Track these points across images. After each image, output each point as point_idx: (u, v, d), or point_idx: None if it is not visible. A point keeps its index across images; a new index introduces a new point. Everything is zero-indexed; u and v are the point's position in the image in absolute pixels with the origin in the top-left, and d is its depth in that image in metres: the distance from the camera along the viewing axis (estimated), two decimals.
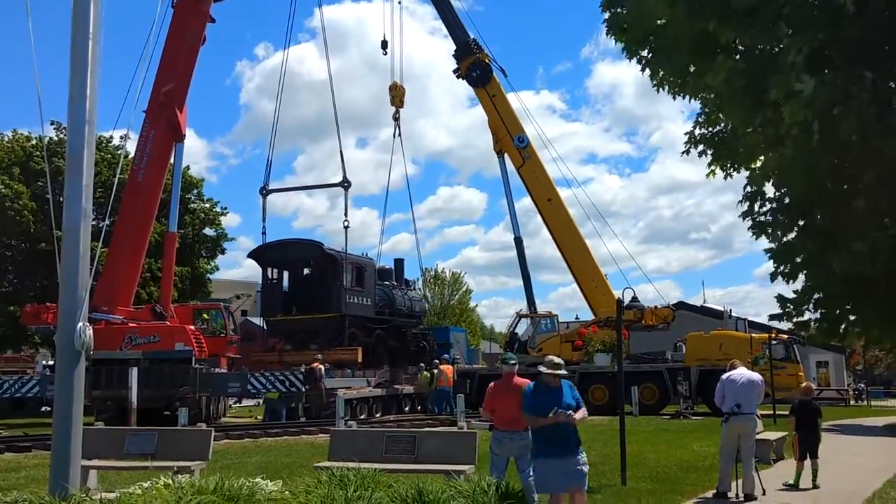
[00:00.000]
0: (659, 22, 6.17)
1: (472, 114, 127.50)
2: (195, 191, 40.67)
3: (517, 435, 8.58)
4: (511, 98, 35.54)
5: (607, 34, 6.84)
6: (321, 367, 25.93)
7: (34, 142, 36.86)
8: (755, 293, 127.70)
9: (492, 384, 9.13)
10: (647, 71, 6.59)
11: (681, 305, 41.41)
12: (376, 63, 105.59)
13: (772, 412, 21.39)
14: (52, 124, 35.45)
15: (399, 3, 37.10)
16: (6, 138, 37.12)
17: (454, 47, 35.34)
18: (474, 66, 34.74)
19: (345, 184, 32.09)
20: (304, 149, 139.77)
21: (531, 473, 8.28)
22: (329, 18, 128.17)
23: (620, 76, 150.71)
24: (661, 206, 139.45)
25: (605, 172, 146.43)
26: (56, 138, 35.01)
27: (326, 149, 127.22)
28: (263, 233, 32.96)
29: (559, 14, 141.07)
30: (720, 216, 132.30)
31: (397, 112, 36.35)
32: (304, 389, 25.25)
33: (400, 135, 36.49)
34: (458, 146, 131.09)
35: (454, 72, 35.66)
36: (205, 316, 30.13)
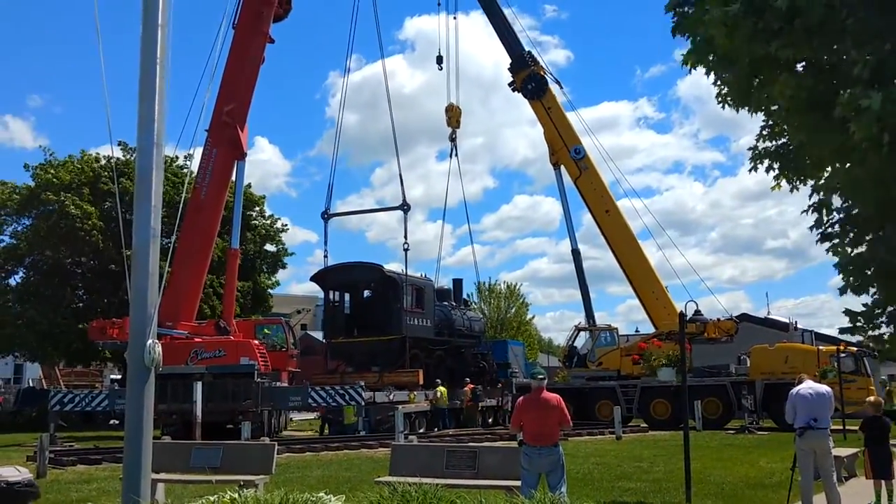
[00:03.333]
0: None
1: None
2: (256, 208, 41.44)
3: (546, 450, 8.49)
4: (569, 113, 35.44)
5: (674, 34, 6.73)
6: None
7: (102, 163, 38.04)
8: (830, 304, 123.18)
9: (520, 399, 9.08)
10: (713, 77, 6.51)
11: (744, 318, 40.51)
12: (464, 74, 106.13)
13: (841, 427, 20.74)
14: (118, 144, 36.58)
15: (454, 17, 37.39)
16: (75, 160, 38.39)
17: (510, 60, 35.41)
18: (529, 79, 34.72)
19: (404, 207, 32.37)
20: (384, 161, 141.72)
21: (563, 490, 8.18)
22: (422, 29, 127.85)
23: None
24: (742, 215, 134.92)
25: (690, 180, 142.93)
26: (123, 158, 36.08)
27: (405, 161, 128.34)
28: (325, 256, 33.49)
29: (652, 17, 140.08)
30: (801, 222, 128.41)
31: (454, 133, 36.48)
32: (366, 401, 25.45)
33: (457, 155, 36.69)
34: (539, 157, 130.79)
35: (509, 85, 35.70)
36: (266, 331, 30.60)
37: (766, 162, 6.64)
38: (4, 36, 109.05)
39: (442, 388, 28.56)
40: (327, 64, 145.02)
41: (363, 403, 25.26)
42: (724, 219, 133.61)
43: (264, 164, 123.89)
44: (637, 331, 43.78)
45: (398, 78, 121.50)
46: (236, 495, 6.71)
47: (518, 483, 8.72)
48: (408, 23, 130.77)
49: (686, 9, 6.50)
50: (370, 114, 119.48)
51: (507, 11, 35.21)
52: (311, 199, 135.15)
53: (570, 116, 35.32)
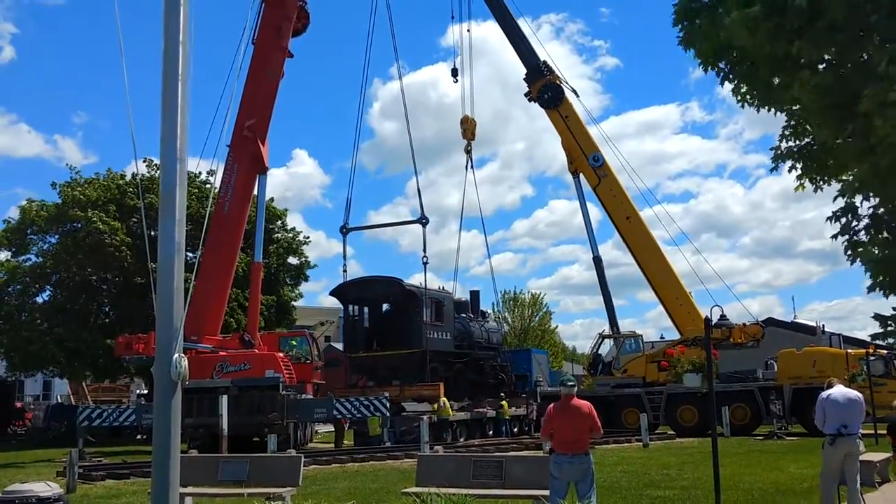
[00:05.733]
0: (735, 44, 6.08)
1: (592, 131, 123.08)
2: (279, 221, 41.68)
3: (577, 458, 8.39)
4: (583, 119, 35.35)
5: (683, 48, 6.72)
6: None
7: (128, 179, 38.49)
8: (863, 306, 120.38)
9: (550, 406, 8.99)
10: (728, 84, 6.48)
11: (771, 322, 40.08)
12: (507, 81, 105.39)
13: (872, 432, 20.44)
14: (143, 161, 36.98)
15: (468, 31, 37.51)
16: (101, 177, 38.86)
17: (526, 71, 35.36)
18: (546, 89, 34.66)
19: (423, 220, 32.40)
20: (420, 170, 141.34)
21: (592, 499, 8.09)
22: (466, 36, 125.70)
23: None
24: (782, 218, 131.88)
25: (730, 183, 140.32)
26: (148, 175, 36.45)
27: (441, 170, 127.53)
28: (344, 270, 33.46)
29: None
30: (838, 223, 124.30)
31: (469, 145, 36.44)
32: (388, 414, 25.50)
33: (473, 167, 36.65)
34: None
35: (525, 95, 35.63)
36: (293, 343, 30.68)
37: (789, 162, 6.58)
38: (47, 53, 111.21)
39: (504, 402, 30.71)
40: (373, 72, 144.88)
41: (388, 414, 25.28)
42: (762, 222, 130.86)
43: (304, 177, 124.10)
44: (662, 337, 43.54)
45: (440, 87, 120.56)
46: None
47: (546, 492, 8.65)
48: (451, 29, 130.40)
49: (696, 21, 6.48)
50: (404, 123, 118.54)
51: (555, 17, 35.34)
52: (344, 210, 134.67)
53: (593, 127, 35.25)
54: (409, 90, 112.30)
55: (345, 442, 29.49)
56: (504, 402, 30.91)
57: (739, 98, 6.48)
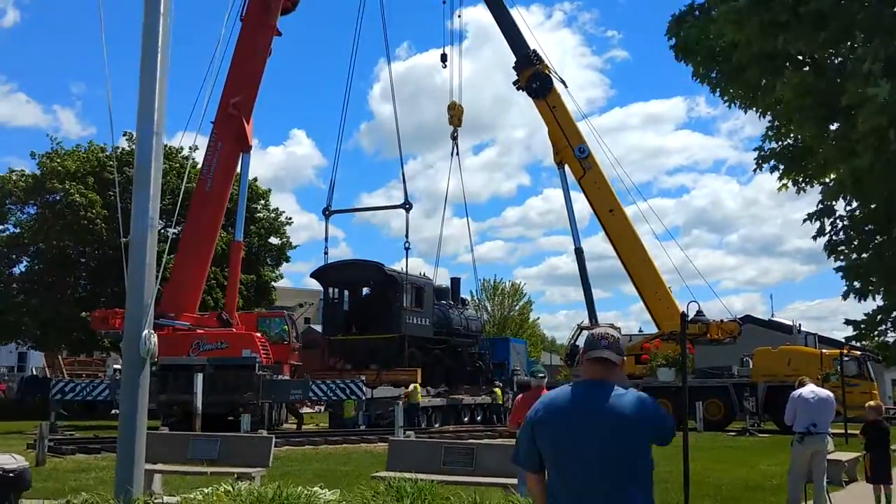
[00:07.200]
0: (724, 42, 6.06)
1: (593, 122, 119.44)
2: (262, 201, 41.45)
3: None
4: (571, 110, 35.27)
5: (676, 59, 6.74)
6: None
7: (108, 152, 38.11)
8: (844, 307, 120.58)
9: (520, 396, 9.12)
10: (718, 91, 6.47)
11: (748, 319, 40.38)
12: (510, 67, 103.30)
13: (843, 431, 20.66)
14: (124, 135, 36.58)
15: (459, 16, 37.31)
16: (81, 149, 38.46)
17: (515, 59, 35.27)
18: (534, 78, 34.56)
19: (406, 206, 32.42)
20: (417, 154, 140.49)
21: None
22: (473, 18, 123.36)
23: None
24: (772, 216, 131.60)
25: (724, 179, 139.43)
26: (129, 148, 36.09)
27: (440, 154, 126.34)
28: (325, 253, 33.42)
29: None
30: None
31: (455, 131, 36.34)
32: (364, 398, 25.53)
33: (458, 154, 36.56)
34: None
35: (514, 83, 35.54)
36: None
37: (772, 163, 6.56)
38: (49, 21, 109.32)
39: (498, 389, 32.05)
40: (377, 52, 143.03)
41: (364, 398, 25.30)
42: (755, 218, 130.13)
43: (300, 157, 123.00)
44: (641, 331, 43.82)
45: (444, 70, 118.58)
46: (230, 487, 6.69)
47: (515, 481, 8.68)
48: (455, 13, 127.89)
49: (684, 31, 6.47)
50: (409, 107, 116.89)
51: (569, 5, 35.47)
52: (341, 191, 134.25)
53: (583, 122, 35.22)
54: (412, 73, 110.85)
55: (318, 424, 29.47)
56: (497, 389, 31.64)
57: (728, 100, 6.45)
